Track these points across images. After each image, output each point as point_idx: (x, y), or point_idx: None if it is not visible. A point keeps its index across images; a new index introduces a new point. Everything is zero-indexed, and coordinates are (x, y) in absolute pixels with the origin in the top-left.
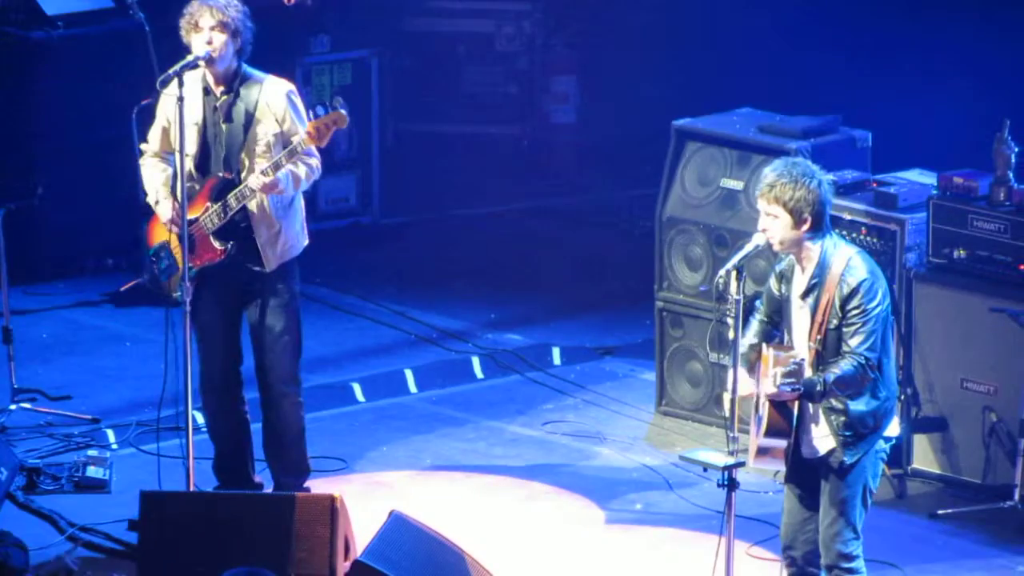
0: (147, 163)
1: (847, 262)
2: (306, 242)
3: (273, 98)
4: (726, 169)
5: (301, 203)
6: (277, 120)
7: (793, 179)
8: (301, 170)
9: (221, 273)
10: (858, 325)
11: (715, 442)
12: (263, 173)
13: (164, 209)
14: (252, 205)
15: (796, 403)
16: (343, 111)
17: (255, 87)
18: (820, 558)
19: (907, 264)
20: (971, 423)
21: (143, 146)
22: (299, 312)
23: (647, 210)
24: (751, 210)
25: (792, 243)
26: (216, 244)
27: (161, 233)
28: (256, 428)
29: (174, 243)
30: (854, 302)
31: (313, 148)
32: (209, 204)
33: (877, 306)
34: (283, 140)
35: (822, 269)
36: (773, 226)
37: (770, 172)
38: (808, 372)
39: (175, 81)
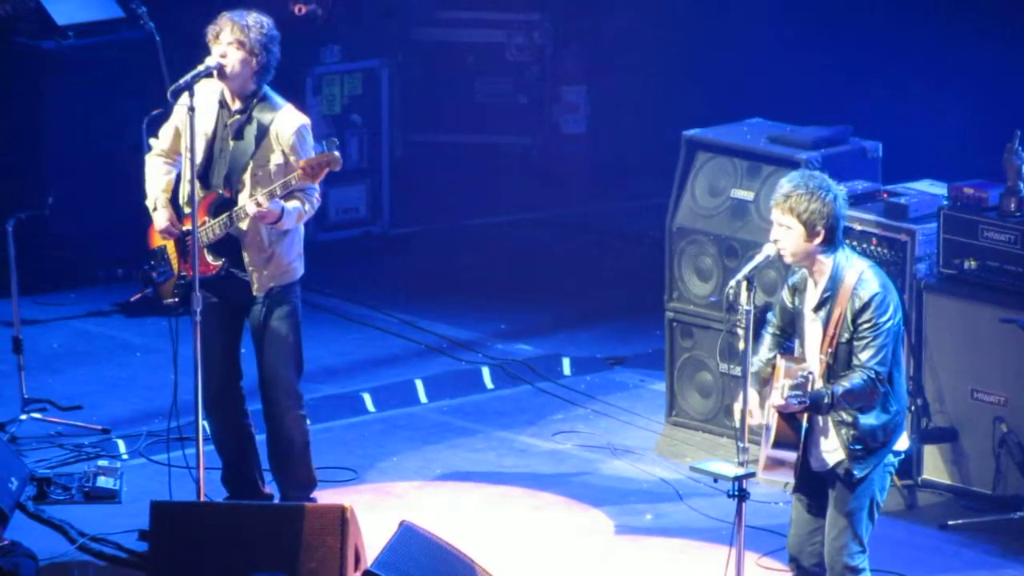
0: (152, 162)
1: (859, 276)
2: (302, 271)
3: (284, 129)
4: (736, 179)
5: (301, 232)
6: (283, 151)
7: (809, 191)
8: (305, 206)
9: (218, 287)
10: (869, 339)
11: (725, 453)
12: (257, 202)
13: (159, 218)
14: (245, 226)
15: (805, 416)
16: (336, 153)
17: (269, 113)
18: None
19: (917, 274)
20: (981, 434)
21: (152, 141)
22: (298, 327)
23: (657, 220)
24: (761, 220)
25: (803, 255)
26: (209, 259)
27: (159, 237)
28: (262, 439)
29: (170, 249)
30: (865, 316)
31: (310, 184)
32: (207, 218)
33: (888, 320)
34: (284, 171)
35: (834, 283)
36: (785, 237)
37: (786, 183)
38: (819, 384)
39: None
